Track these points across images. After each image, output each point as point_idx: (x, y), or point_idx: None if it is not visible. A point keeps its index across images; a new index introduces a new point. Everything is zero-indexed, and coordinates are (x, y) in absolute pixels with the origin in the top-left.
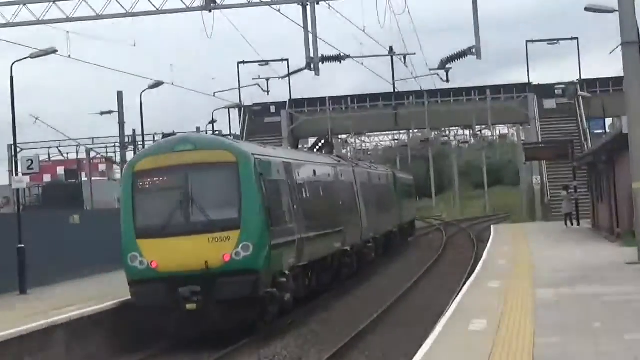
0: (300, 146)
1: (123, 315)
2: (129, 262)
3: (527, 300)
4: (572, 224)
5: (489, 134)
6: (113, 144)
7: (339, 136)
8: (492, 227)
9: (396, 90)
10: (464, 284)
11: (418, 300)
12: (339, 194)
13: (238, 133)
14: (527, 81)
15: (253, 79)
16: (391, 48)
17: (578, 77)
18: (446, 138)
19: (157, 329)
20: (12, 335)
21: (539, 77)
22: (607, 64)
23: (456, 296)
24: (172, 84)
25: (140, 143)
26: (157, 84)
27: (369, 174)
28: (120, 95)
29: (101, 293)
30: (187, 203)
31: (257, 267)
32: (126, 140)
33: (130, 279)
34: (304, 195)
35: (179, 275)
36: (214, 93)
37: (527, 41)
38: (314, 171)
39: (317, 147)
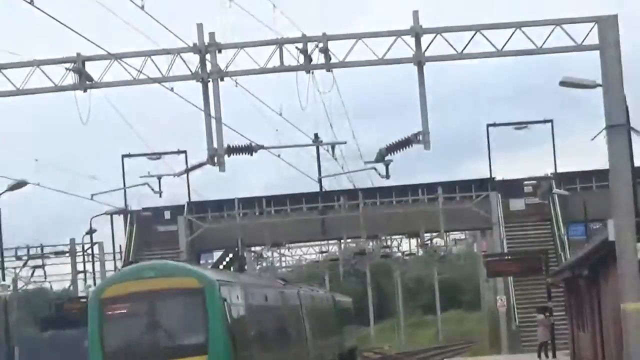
0: (202, 261)
1: None
2: None
3: None
4: (547, 356)
5: (442, 243)
6: None
7: (252, 248)
8: None
9: (323, 190)
10: None
11: None
12: (290, 317)
13: (123, 245)
14: (488, 176)
15: (141, 176)
16: (316, 135)
17: (553, 171)
18: (387, 249)
19: None
20: None
21: (503, 171)
22: (588, 153)
23: None
24: (39, 184)
25: None
26: (19, 185)
27: (312, 297)
28: None
29: None
30: (154, 330)
31: None
32: None
33: None
34: (260, 319)
35: None
36: (92, 195)
37: (488, 125)
38: (266, 296)
39: (224, 263)
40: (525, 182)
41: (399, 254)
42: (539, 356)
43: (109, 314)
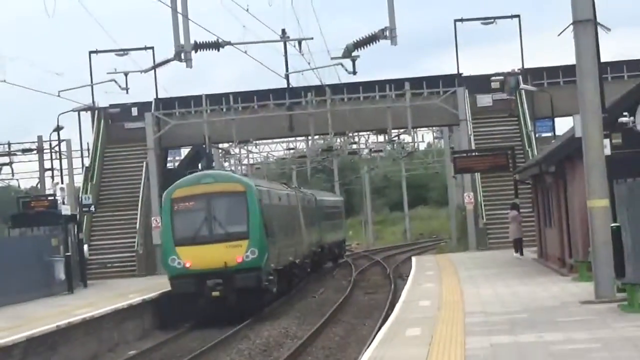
0: (170, 158)
1: None
2: (169, 263)
3: (456, 353)
4: (522, 254)
5: (409, 140)
6: None
7: (219, 145)
8: (413, 258)
9: (290, 86)
10: (377, 332)
11: (319, 357)
12: (292, 211)
13: (91, 142)
14: (456, 72)
15: (108, 72)
16: (283, 31)
17: (520, 67)
18: (355, 146)
19: (188, 311)
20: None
21: (471, 67)
22: (556, 48)
23: (367, 348)
24: (5, 81)
25: None
26: None
27: (304, 197)
28: None
29: None
30: (210, 220)
31: (261, 265)
32: None
33: (170, 275)
34: (278, 213)
35: (206, 272)
36: (59, 92)
37: (455, 20)
38: (279, 197)
39: (188, 161)
40: (493, 78)
41: (367, 151)
42: (516, 252)
43: (177, 209)
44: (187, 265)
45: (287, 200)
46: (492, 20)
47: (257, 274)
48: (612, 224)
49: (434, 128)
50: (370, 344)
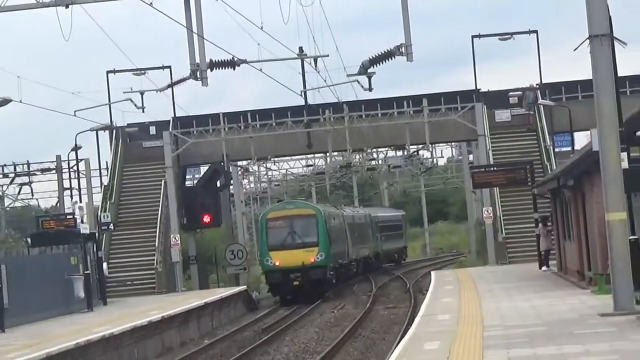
0: (189, 175)
1: None
2: (264, 262)
3: None
4: (548, 266)
5: (428, 155)
6: None
7: (237, 162)
8: (432, 273)
9: (308, 103)
10: (397, 346)
11: None
12: (345, 227)
13: (109, 161)
14: (474, 87)
15: (124, 92)
16: (301, 49)
17: (538, 81)
18: (373, 162)
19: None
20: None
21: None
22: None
23: None
24: (21, 101)
25: None
26: (3, 102)
27: (358, 216)
28: None
29: None
30: (292, 233)
31: (326, 264)
32: None
33: (264, 270)
34: (343, 229)
35: (290, 268)
36: (75, 112)
37: (472, 36)
38: (335, 217)
39: (207, 179)
40: (511, 93)
41: (385, 167)
42: (541, 266)
43: (270, 225)
44: (277, 263)
45: (342, 219)
46: (510, 35)
47: (324, 270)
48: (631, 237)
49: (453, 143)
50: (388, 358)
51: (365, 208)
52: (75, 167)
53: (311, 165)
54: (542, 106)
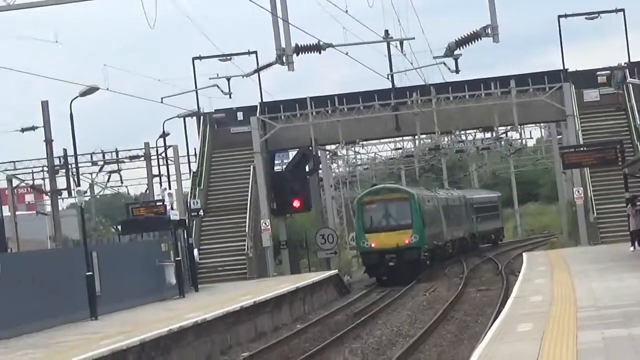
0: (277, 160)
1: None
2: (361, 244)
3: (568, 347)
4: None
5: (517, 136)
6: (41, 168)
7: (326, 147)
8: (524, 254)
9: (395, 86)
10: (490, 328)
11: (431, 355)
12: (441, 210)
13: (197, 147)
14: (561, 68)
15: (210, 78)
16: (387, 32)
17: (626, 60)
18: (462, 144)
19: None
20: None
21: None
22: None
23: (479, 343)
24: (108, 89)
25: (74, 165)
26: (90, 90)
27: (452, 198)
28: (45, 106)
29: None
30: (387, 216)
31: (420, 245)
32: (56, 162)
33: (360, 252)
34: (437, 211)
35: (385, 250)
36: (162, 99)
37: (559, 16)
38: (429, 200)
39: (296, 163)
40: (599, 73)
41: (474, 149)
42: (633, 244)
43: (366, 209)
44: (372, 245)
45: (436, 202)
46: (596, 14)
47: (418, 251)
48: None
49: (542, 124)
50: (482, 339)
51: (460, 190)
52: (163, 154)
53: (400, 148)
54: (630, 85)
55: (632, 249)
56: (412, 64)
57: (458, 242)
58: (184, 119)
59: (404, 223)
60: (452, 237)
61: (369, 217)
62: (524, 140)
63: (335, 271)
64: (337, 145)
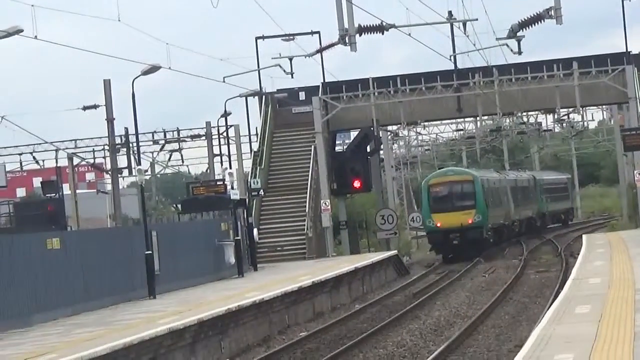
0: (338, 141)
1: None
2: (427, 223)
3: (625, 330)
4: None
5: (578, 118)
6: (102, 147)
7: (387, 128)
8: (584, 236)
9: (457, 67)
10: (548, 309)
11: (489, 336)
12: (508, 190)
13: (258, 127)
14: (624, 50)
15: (272, 58)
16: (450, 13)
17: None
18: (523, 126)
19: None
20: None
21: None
22: None
23: (537, 325)
24: (170, 68)
25: (135, 144)
26: (153, 69)
27: (516, 180)
28: (107, 84)
29: None
30: (452, 197)
31: (483, 224)
32: (117, 141)
33: (427, 231)
34: (504, 192)
35: (450, 229)
36: (224, 78)
37: None
38: (494, 182)
39: (357, 143)
40: None
41: (536, 131)
42: None
43: (432, 190)
44: (438, 224)
45: (499, 183)
46: None
47: (481, 230)
48: None
49: (604, 106)
50: (540, 321)
51: (531, 172)
52: (225, 134)
53: (461, 130)
54: None
55: None
56: (474, 45)
57: (526, 221)
58: (246, 99)
59: (468, 204)
60: (520, 217)
61: (435, 198)
62: (585, 122)
63: (395, 252)
64: (399, 126)
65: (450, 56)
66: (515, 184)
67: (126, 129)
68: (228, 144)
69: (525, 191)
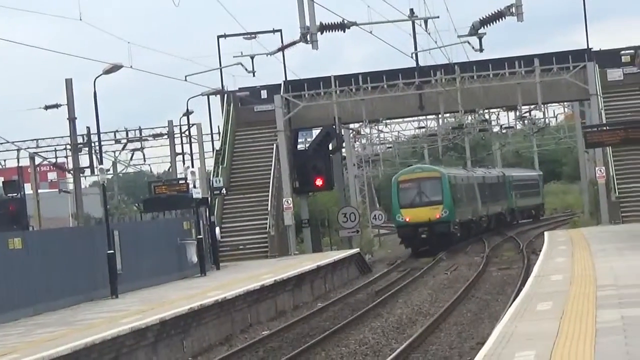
0: (300, 139)
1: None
2: (396, 218)
3: (587, 326)
4: None
5: (540, 115)
6: (64, 146)
7: (349, 125)
8: (545, 233)
9: (419, 65)
10: (510, 306)
11: (451, 333)
12: (475, 187)
13: (221, 126)
14: (585, 46)
15: (234, 56)
16: (412, 10)
17: None
18: (485, 123)
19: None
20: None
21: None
22: None
23: (499, 322)
24: (131, 67)
25: (97, 144)
26: (114, 68)
27: (490, 176)
28: (69, 83)
29: None
30: (421, 193)
31: (450, 219)
32: (79, 140)
33: (396, 226)
34: (472, 188)
35: (418, 223)
36: (186, 77)
37: None
38: (462, 178)
39: (319, 142)
40: (623, 52)
41: (498, 128)
42: None
43: (401, 187)
44: (407, 219)
45: (467, 180)
46: None
47: (449, 225)
48: None
49: (565, 103)
50: (501, 318)
51: (501, 169)
52: (187, 132)
53: (423, 127)
54: None
55: None
56: (436, 42)
57: (495, 217)
58: (208, 97)
59: (435, 199)
60: (489, 212)
61: (404, 194)
62: (547, 119)
63: (357, 250)
64: (361, 123)
65: (412, 54)
66: (483, 180)
67: (88, 128)
68: (190, 143)
69: (494, 188)
